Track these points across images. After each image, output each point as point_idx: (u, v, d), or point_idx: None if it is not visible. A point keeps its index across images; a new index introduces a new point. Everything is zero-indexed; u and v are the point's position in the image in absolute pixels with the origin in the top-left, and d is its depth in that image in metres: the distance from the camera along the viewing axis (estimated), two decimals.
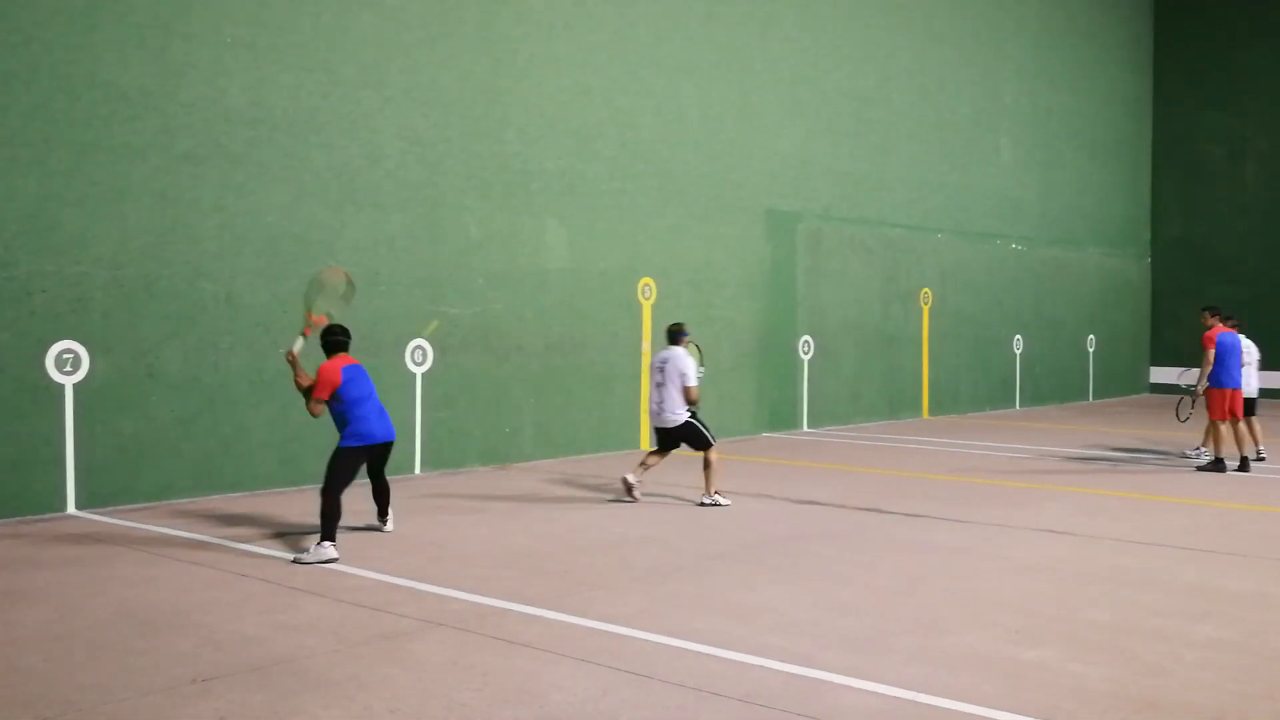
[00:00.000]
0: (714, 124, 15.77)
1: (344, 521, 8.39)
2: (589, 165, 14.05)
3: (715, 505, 10.33)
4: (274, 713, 4.91)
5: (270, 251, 11.01)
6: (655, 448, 10.76)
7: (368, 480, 8.88)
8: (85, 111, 9.74)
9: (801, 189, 17.23)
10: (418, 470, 12.24)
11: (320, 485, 8.33)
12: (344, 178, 11.59)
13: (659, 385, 10.47)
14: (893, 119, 18.96)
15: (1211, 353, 12.82)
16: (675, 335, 10.71)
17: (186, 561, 7.89)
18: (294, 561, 7.91)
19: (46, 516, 9.48)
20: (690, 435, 10.46)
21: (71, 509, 9.66)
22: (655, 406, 10.52)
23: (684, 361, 10.43)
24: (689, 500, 10.62)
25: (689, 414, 10.46)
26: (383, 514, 9.09)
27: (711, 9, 15.74)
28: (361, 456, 8.47)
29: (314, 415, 8.38)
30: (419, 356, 12.24)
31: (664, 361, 10.50)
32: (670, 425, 10.46)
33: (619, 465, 12.98)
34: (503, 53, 13.10)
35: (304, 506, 10.10)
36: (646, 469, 10.68)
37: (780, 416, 17.02)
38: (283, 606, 6.70)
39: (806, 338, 17.42)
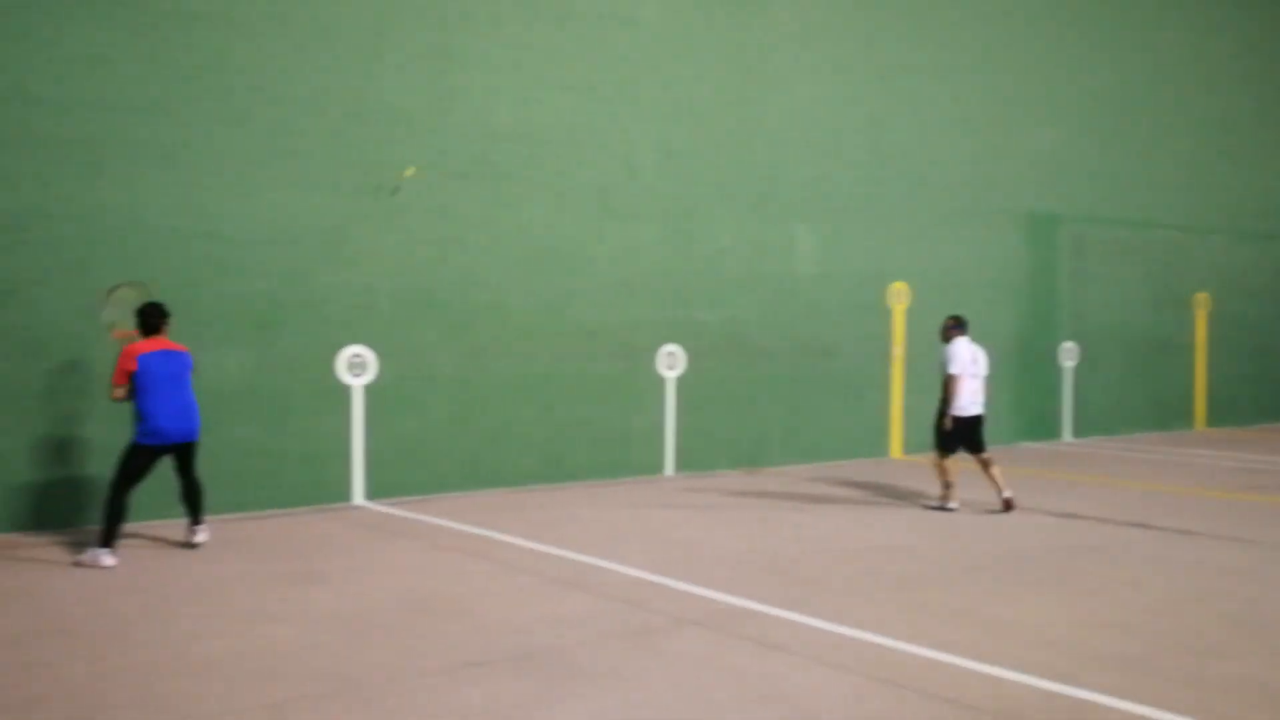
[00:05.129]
0: (968, 125, 15.38)
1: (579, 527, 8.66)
2: (839, 171, 14.02)
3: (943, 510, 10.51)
4: (539, 700, 5.17)
5: (534, 263, 11.58)
6: (953, 452, 10.56)
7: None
8: (371, 134, 10.55)
9: (1062, 190, 16.54)
10: (670, 472, 12.56)
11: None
12: (602, 191, 12.05)
13: (973, 376, 10.61)
14: (1163, 115, 17.91)
15: None
16: (966, 326, 10.78)
17: (459, 551, 8.42)
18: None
19: (337, 506, 10.33)
20: (981, 429, 10.68)
21: (359, 499, 10.49)
22: (969, 399, 10.56)
23: (985, 354, 10.80)
24: (941, 510, 10.45)
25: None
26: (194, 521, 8.41)
27: (966, 9, 15.36)
28: (151, 456, 8.04)
29: (115, 400, 8.03)
30: (671, 361, 12.55)
31: (976, 353, 10.68)
32: (980, 414, 10.63)
33: (868, 472, 12.88)
34: (753, 62, 13.26)
35: (561, 502, 10.55)
36: (951, 485, 10.60)
37: (1040, 426, 16.39)
38: (546, 597, 7.05)
39: (1069, 344, 16.71)
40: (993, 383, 15.53)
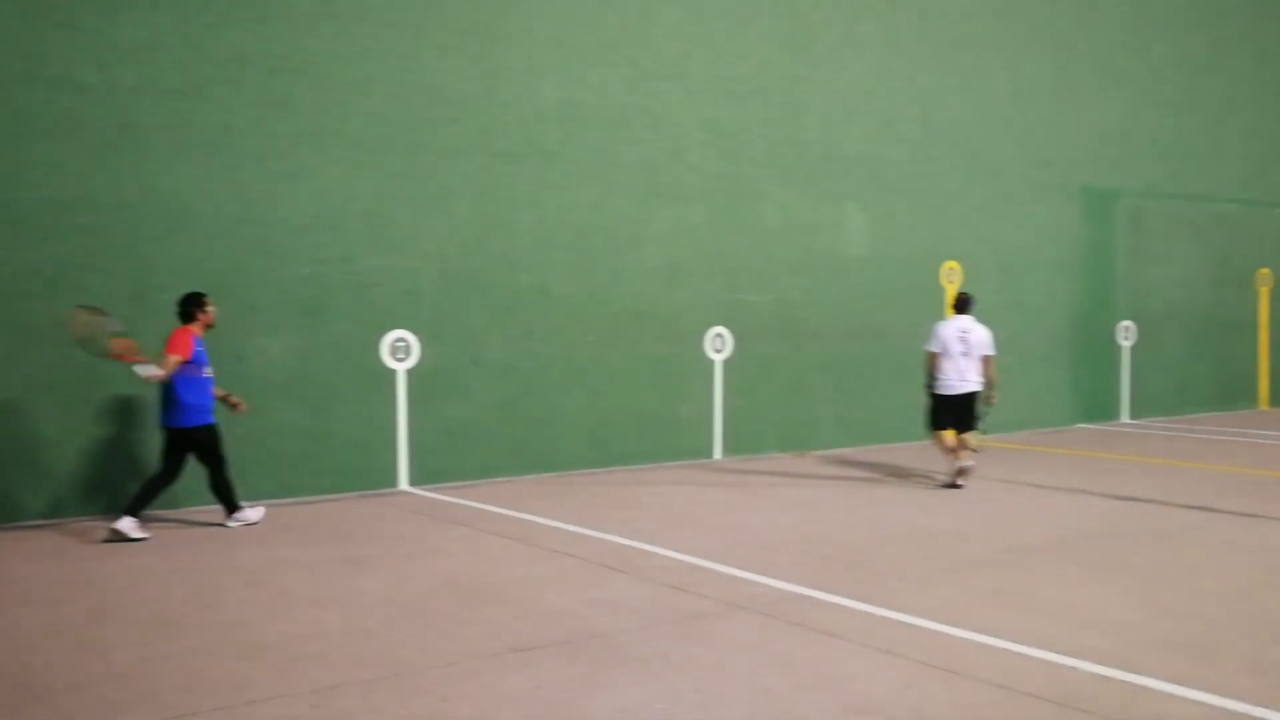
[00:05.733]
0: (1024, 100, 15.08)
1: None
2: (890, 149, 13.79)
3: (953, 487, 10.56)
4: (586, 685, 5.12)
5: (580, 245, 11.50)
6: (946, 428, 10.60)
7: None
8: (414, 116, 10.52)
9: (1121, 165, 16.18)
10: (718, 455, 12.46)
11: None
12: (649, 171, 11.93)
13: (963, 355, 10.48)
14: (1224, 87, 17.45)
15: None
16: (967, 304, 10.74)
17: (506, 537, 8.39)
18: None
19: (383, 491, 10.35)
20: (973, 407, 10.62)
21: (404, 485, 10.49)
22: (956, 377, 10.50)
23: (985, 333, 10.60)
24: (992, 492, 10.27)
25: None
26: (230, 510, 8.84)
27: None
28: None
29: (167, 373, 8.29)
30: (718, 344, 12.43)
31: (965, 332, 10.52)
32: (971, 391, 10.52)
33: (919, 455, 12.71)
34: (802, 39, 13.07)
35: (608, 487, 10.49)
36: (960, 458, 10.51)
37: (1097, 407, 16.09)
38: (593, 583, 7.00)
39: (1127, 323, 16.36)
40: (1050, 363, 15.29)
